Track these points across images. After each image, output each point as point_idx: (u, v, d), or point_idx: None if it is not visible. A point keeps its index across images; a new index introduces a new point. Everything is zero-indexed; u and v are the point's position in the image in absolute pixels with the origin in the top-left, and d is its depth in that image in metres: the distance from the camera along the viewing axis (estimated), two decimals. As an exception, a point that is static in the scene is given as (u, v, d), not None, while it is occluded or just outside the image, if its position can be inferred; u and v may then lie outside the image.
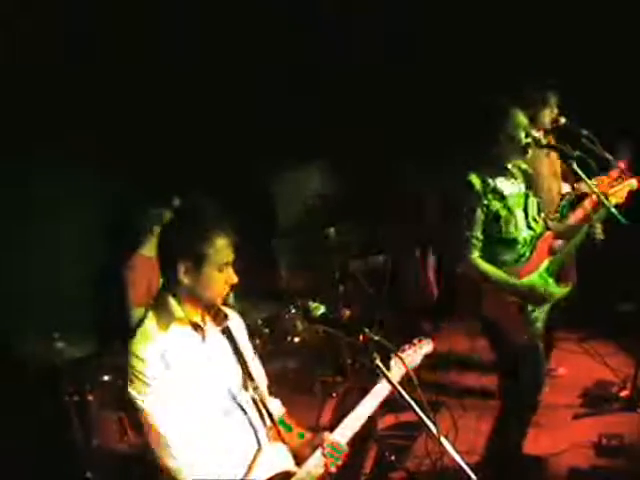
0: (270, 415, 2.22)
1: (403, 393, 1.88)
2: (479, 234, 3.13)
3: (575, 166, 3.40)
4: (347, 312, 4.57)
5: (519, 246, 3.19)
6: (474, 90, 3.72)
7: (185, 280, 2.11)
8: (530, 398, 3.31)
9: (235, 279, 2.16)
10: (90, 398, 3.35)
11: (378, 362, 1.88)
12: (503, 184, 3.18)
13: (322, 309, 1.97)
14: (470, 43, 5.12)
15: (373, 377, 2.23)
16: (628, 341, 4.58)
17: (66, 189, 3.97)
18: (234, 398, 2.19)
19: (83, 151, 4.07)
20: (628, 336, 4.50)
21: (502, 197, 3.15)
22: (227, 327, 2.26)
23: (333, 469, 2.20)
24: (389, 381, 1.87)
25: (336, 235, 4.40)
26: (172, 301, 2.15)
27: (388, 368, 2.20)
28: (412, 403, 1.90)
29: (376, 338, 1.89)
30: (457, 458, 1.96)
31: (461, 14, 5.20)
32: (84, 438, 3.31)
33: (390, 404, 3.45)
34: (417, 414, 1.92)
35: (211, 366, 2.18)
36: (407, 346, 2.55)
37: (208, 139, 4.70)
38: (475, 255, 3.12)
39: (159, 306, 2.18)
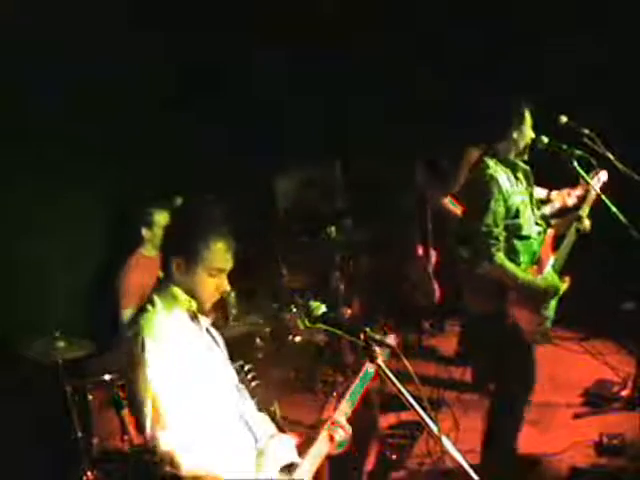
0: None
1: (404, 392, 1.88)
2: (502, 231, 3.01)
3: (576, 165, 3.39)
4: (348, 311, 4.57)
5: (533, 244, 3.14)
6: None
7: (176, 275, 2.12)
8: (527, 395, 3.27)
9: (227, 288, 2.17)
10: (90, 398, 3.36)
11: (379, 361, 1.87)
12: (512, 179, 3.11)
13: (323, 308, 1.96)
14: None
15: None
16: (629, 340, 4.59)
17: (67, 188, 3.96)
18: (238, 389, 2.23)
19: (84, 151, 4.06)
20: (629, 335, 4.51)
21: (519, 192, 3.07)
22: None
23: (338, 442, 2.17)
24: (391, 380, 1.87)
25: (337, 234, 4.39)
26: (175, 288, 2.14)
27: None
28: (413, 402, 1.90)
29: (377, 337, 1.89)
30: (458, 457, 1.96)
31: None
32: (84, 438, 3.31)
33: (391, 403, 3.48)
34: (418, 413, 1.92)
35: (213, 355, 2.20)
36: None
37: (207, 138, 4.70)
38: (501, 254, 2.99)
39: (162, 292, 2.16)
